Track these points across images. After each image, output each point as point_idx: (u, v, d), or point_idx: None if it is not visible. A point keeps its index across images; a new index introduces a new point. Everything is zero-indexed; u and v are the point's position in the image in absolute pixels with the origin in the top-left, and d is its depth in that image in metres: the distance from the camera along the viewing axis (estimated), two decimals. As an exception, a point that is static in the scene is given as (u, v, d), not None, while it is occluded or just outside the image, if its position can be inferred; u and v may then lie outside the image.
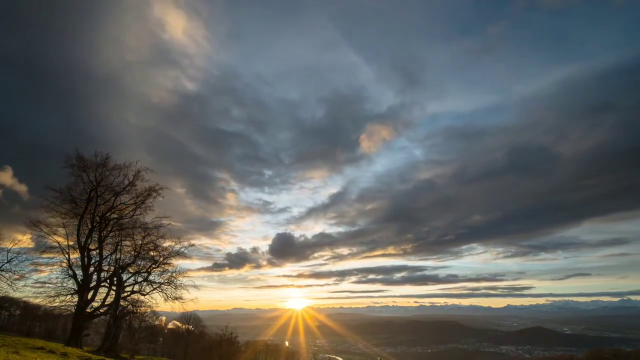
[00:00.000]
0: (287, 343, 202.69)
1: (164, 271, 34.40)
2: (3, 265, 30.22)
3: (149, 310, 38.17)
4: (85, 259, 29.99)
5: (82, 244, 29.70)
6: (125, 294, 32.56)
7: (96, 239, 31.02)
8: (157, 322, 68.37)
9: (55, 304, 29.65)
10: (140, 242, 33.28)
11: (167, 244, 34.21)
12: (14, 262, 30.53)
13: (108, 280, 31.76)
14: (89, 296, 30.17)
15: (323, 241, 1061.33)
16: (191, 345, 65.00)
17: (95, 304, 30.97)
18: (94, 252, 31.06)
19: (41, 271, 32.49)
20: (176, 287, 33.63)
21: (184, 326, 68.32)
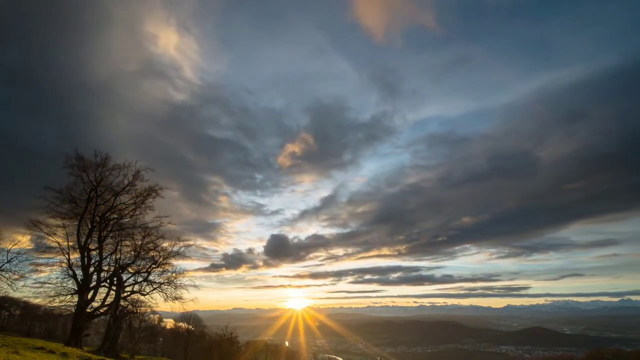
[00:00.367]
0: (287, 343, 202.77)
1: (163, 271, 34.44)
2: (3, 265, 30.26)
3: (149, 310, 38.20)
4: (85, 259, 29.97)
5: (82, 244, 29.68)
6: (125, 294, 32.54)
7: (96, 239, 31.00)
8: (158, 322, 68.35)
9: (55, 304, 29.62)
10: (140, 242, 33.31)
11: (166, 244, 34.26)
12: (14, 262, 30.63)
13: (108, 280, 31.75)
14: (89, 296, 30.15)
15: (317, 242, 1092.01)
16: (191, 345, 64.99)
17: (95, 304, 30.95)
18: (94, 252, 31.04)
19: (41, 271, 32.55)
20: (176, 287, 33.66)
21: (184, 325, 68.31)
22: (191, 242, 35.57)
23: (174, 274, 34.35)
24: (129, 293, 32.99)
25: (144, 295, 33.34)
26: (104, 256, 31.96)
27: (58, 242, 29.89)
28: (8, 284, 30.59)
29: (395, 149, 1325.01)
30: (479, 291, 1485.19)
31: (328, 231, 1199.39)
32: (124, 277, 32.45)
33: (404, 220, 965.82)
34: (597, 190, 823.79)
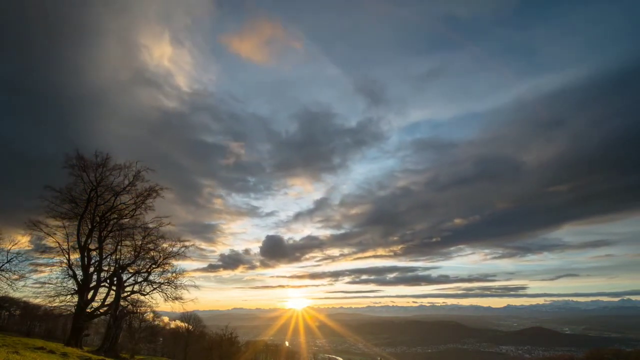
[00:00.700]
0: (287, 343, 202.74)
1: (163, 271, 34.46)
2: (3, 265, 30.24)
3: (149, 310, 38.22)
4: (85, 259, 29.96)
5: (82, 244, 29.67)
6: (125, 294, 32.56)
7: (96, 239, 30.99)
8: (162, 324, 68.36)
9: (55, 304, 29.64)
10: (140, 242, 33.31)
11: (166, 244, 34.25)
12: (14, 262, 30.59)
13: (108, 280, 31.75)
14: (89, 296, 30.15)
15: (312, 243, 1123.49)
16: (191, 345, 64.96)
17: (95, 304, 30.96)
18: (94, 252, 31.04)
19: (41, 271, 32.55)
20: (176, 287, 33.68)
21: (184, 325, 68.28)
22: (191, 242, 35.64)
23: (173, 274, 34.42)
24: (129, 293, 33.01)
25: (144, 295, 33.38)
26: (104, 256, 31.96)
27: (58, 242, 29.93)
28: (8, 284, 30.58)
29: (384, 154, 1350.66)
30: (476, 291, 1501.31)
31: (322, 232, 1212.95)
32: (124, 277, 32.47)
33: (396, 222, 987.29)
34: (583, 193, 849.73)
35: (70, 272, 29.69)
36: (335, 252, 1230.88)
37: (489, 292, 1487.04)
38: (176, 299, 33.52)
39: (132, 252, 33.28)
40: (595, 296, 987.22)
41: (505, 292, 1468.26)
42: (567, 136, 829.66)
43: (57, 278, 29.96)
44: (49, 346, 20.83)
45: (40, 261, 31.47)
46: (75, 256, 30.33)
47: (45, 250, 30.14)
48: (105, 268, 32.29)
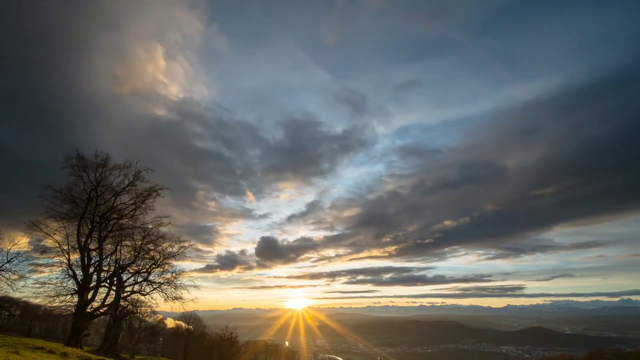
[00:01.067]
0: (287, 343, 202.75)
1: (163, 271, 34.44)
2: (3, 265, 30.24)
3: (149, 310, 38.19)
4: (85, 259, 29.98)
5: (82, 244, 29.68)
6: (125, 294, 32.55)
7: (96, 239, 31.00)
8: (157, 321, 68.30)
9: (55, 304, 29.63)
10: (140, 242, 33.30)
11: (166, 244, 34.24)
12: (14, 262, 30.59)
13: (108, 280, 31.75)
14: (89, 296, 30.17)
15: (307, 245, 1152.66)
16: (191, 345, 64.96)
17: (95, 304, 30.97)
18: (94, 253, 31.04)
19: (41, 271, 32.52)
20: (176, 287, 33.64)
21: (184, 325, 68.28)
22: (192, 242, 35.61)
23: (173, 274, 34.39)
24: (129, 293, 32.99)
25: (144, 295, 33.34)
26: (104, 256, 31.96)
27: (58, 242, 29.92)
28: (8, 284, 30.58)
29: (371, 159, 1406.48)
30: (473, 291, 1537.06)
31: (316, 234, 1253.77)
32: (124, 277, 32.45)
33: (387, 224, 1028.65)
34: (567, 196, 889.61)
35: (70, 272, 29.71)
36: (330, 253, 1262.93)
37: (486, 292, 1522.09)
38: (176, 299, 33.51)
39: (132, 252, 33.28)
40: (590, 296, 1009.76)
41: (502, 292, 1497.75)
42: (544, 143, 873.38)
43: (57, 278, 30.02)
44: (49, 346, 20.84)
45: (40, 261, 31.53)
46: (75, 256, 30.36)
47: (45, 250, 30.15)
48: (105, 268, 32.29)
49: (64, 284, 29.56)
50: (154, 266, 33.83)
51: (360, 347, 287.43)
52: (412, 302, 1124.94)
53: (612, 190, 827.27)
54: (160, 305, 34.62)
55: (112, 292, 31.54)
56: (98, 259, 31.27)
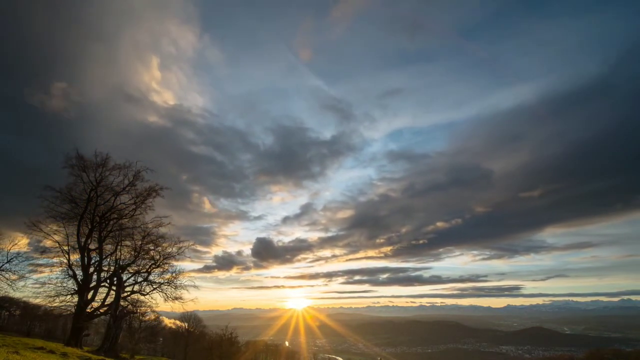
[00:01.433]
0: (287, 343, 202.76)
1: (163, 271, 34.40)
2: (3, 265, 30.24)
3: (149, 310, 38.17)
4: (85, 259, 29.95)
5: (82, 244, 29.66)
6: (125, 294, 32.51)
7: (96, 239, 30.96)
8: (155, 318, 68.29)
9: (55, 304, 29.59)
10: (140, 242, 33.28)
11: (166, 244, 34.22)
12: (13, 262, 30.57)
13: (108, 280, 31.73)
14: (89, 296, 30.14)
15: (302, 246, 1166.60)
16: (191, 345, 64.99)
17: (95, 304, 30.93)
18: (94, 253, 31.02)
19: (41, 271, 32.45)
20: (176, 287, 33.61)
21: (184, 325, 68.27)
22: (191, 243, 35.55)
23: (173, 274, 34.35)
24: (129, 293, 32.95)
25: (144, 295, 33.30)
26: (104, 256, 31.94)
27: (58, 243, 29.87)
28: (8, 284, 30.58)
29: (360, 163, 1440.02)
30: (471, 291, 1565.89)
31: (311, 235, 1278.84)
32: (124, 277, 32.41)
33: (380, 226, 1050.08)
34: (554, 198, 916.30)
35: (70, 272, 29.67)
36: (326, 253, 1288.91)
37: (483, 293, 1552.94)
38: (176, 299, 33.46)
39: (132, 252, 33.24)
40: (587, 297, 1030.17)
41: (499, 292, 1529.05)
42: (529, 147, 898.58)
43: (57, 278, 29.96)
44: (49, 346, 20.84)
45: (40, 261, 31.43)
46: (75, 256, 30.32)
47: (45, 250, 30.09)
48: (105, 268, 32.26)
49: (64, 284, 29.55)
50: (153, 266, 33.79)
51: (360, 347, 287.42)
52: (412, 302, 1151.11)
53: (599, 193, 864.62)
54: (160, 305, 34.59)
55: (112, 292, 31.50)
56: (98, 259, 31.24)
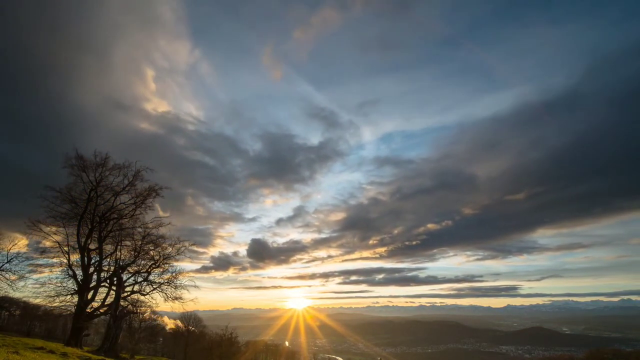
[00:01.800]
0: (287, 343, 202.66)
1: (163, 271, 34.40)
2: (3, 265, 30.28)
3: (149, 310, 38.17)
4: (85, 259, 29.94)
5: (82, 244, 29.65)
6: (125, 294, 32.52)
7: (96, 239, 30.95)
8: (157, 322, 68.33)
9: (55, 304, 29.58)
10: (140, 242, 33.27)
11: (166, 244, 34.22)
12: (14, 262, 30.65)
13: (108, 280, 31.72)
14: (89, 296, 30.14)
15: (297, 247, 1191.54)
16: (191, 345, 64.96)
17: (95, 304, 30.92)
18: (94, 253, 31.01)
19: (41, 271, 32.45)
20: (176, 287, 33.61)
21: (184, 325, 68.27)
22: (191, 243, 35.52)
23: (173, 274, 34.35)
24: (129, 293, 32.95)
25: (144, 295, 33.30)
26: (104, 256, 31.93)
27: (58, 242, 29.86)
28: (8, 284, 30.60)
29: (348, 168, 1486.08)
30: (467, 292, 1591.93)
31: (305, 236, 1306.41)
32: (124, 277, 32.43)
33: (372, 227, 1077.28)
34: (540, 201, 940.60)
35: (70, 272, 29.66)
36: (321, 254, 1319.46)
37: (480, 293, 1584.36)
38: (176, 299, 33.45)
39: (132, 252, 33.25)
40: (582, 297, 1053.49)
41: (497, 292, 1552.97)
42: (510, 153, 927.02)
43: (57, 278, 29.98)
44: (49, 346, 20.83)
45: (40, 261, 31.43)
46: (75, 256, 30.31)
47: (45, 250, 30.11)
48: (105, 268, 32.26)
49: (64, 284, 29.54)
50: (153, 266, 33.80)
51: (360, 347, 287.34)
52: (411, 302, 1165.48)
53: (579, 197, 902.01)
54: (160, 305, 34.60)
55: (112, 292, 31.50)
56: (98, 259, 31.23)
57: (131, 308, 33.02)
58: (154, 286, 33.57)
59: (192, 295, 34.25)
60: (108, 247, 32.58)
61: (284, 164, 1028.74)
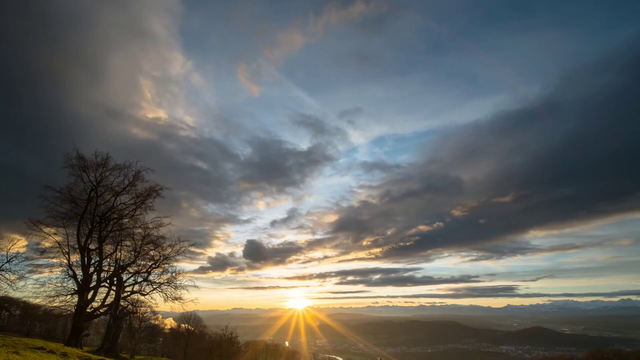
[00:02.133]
0: (287, 343, 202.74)
1: (163, 271, 34.43)
2: (3, 265, 30.30)
3: (149, 310, 38.16)
4: (85, 259, 29.95)
5: (82, 244, 29.65)
6: (125, 294, 32.54)
7: (96, 239, 30.96)
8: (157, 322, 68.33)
9: (55, 304, 29.57)
10: (140, 242, 33.29)
11: (166, 244, 34.23)
12: (14, 262, 30.67)
13: (108, 280, 31.74)
14: (89, 296, 30.14)
15: (292, 248, 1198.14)
16: (191, 345, 64.95)
17: (95, 304, 30.94)
18: (94, 253, 31.02)
19: (41, 271, 32.47)
20: (176, 287, 33.63)
21: (184, 326, 68.28)
22: (191, 243, 35.54)
23: (173, 274, 34.37)
24: (129, 293, 32.97)
25: (144, 295, 33.32)
26: (104, 256, 31.94)
27: (58, 242, 29.87)
28: (8, 284, 30.61)
29: (338, 172, 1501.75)
30: (464, 292, 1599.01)
31: (299, 238, 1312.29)
32: (124, 277, 32.44)
33: (365, 229, 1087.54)
34: (527, 204, 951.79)
35: (70, 272, 29.67)
36: (317, 254, 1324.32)
37: (477, 293, 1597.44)
38: (176, 299, 33.47)
39: (132, 252, 33.26)
40: (580, 297, 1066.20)
41: (494, 292, 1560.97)
42: (494, 158, 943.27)
43: (57, 278, 29.96)
44: (49, 346, 20.83)
45: (40, 261, 31.41)
46: (75, 256, 30.32)
47: (45, 250, 30.09)
48: (105, 268, 32.29)
49: (64, 284, 29.53)
50: (153, 266, 33.82)
51: (360, 347, 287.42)
52: (411, 302, 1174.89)
53: (563, 199, 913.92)
54: (160, 305, 34.64)
55: (112, 292, 31.52)
56: (98, 259, 31.24)
57: (131, 308, 33.02)
58: (154, 286, 33.59)
59: (191, 296, 34.34)
60: (108, 247, 32.60)
61: (274, 168, 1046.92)
